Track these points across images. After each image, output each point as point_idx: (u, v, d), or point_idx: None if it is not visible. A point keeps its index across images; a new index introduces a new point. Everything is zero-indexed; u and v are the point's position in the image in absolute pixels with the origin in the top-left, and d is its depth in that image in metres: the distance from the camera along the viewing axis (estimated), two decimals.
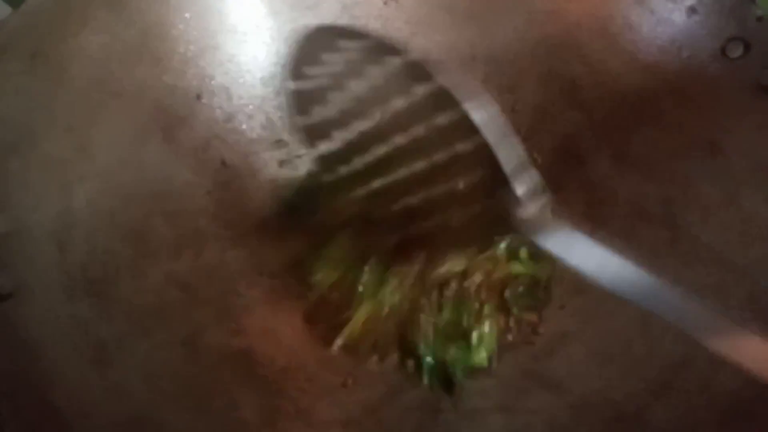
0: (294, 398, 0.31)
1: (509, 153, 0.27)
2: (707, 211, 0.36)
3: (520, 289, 0.36)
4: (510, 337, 0.35)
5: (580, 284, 0.36)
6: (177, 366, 0.28)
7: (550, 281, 0.37)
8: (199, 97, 0.37)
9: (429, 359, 0.33)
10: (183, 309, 0.31)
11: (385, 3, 0.42)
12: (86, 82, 0.31)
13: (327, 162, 0.31)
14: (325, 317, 0.34)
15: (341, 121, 0.29)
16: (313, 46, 0.28)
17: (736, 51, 0.36)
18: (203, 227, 0.35)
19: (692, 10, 0.38)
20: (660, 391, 0.30)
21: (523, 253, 0.38)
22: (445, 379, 0.33)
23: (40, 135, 0.29)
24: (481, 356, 0.33)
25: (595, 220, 0.39)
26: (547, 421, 0.31)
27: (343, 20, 0.42)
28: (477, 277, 0.36)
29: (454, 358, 0.33)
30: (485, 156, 0.27)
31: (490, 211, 0.27)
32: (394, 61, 0.27)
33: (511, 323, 0.36)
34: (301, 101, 0.30)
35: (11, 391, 0.20)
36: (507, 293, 0.36)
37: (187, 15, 0.36)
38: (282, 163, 0.40)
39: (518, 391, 0.32)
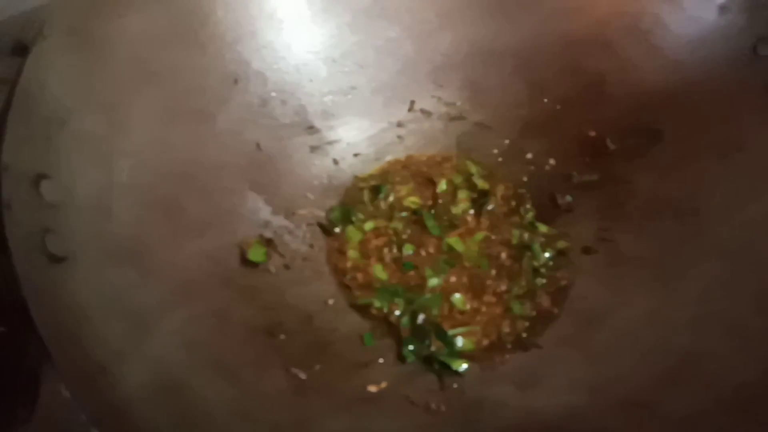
0: (319, 373, 0.32)
1: None
2: (728, 208, 0.36)
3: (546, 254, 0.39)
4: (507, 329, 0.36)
5: (602, 274, 0.37)
6: (210, 337, 0.29)
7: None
8: (236, 81, 0.38)
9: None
10: (215, 283, 0.33)
11: None
12: (127, 62, 0.32)
13: None
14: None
15: None
16: None
17: (767, 49, 0.37)
18: (236, 207, 0.36)
19: (723, 8, 0.38)
20: (671, 381, 0.30)
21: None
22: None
23: (85, 111, 0.30)
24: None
25: (618, 214, 0.39)
26: (562, 403, 0.31)
27: (374, 12, 0.43)
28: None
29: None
30: None
31: None
32: None
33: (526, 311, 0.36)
34: None
35: (64, 346, 0.21)
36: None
37: (227, 1, 0.37)
38: (313, 149, 0.41)
39: (541, 374, 0.33)
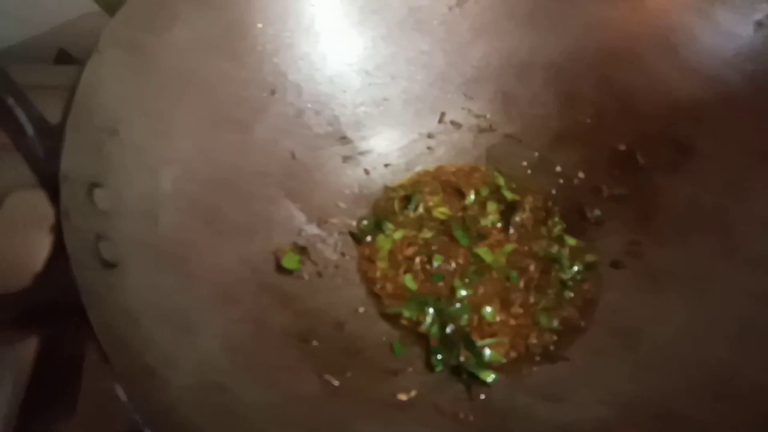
0: (350, 380, 0.33)
1: None
2: (764, 223, 0.36)
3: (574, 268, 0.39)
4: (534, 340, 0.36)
5: (632, 288, 0.37)
6: (251, 342, 0.30)
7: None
8: (273, 92, 0.39)
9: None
10: (252, 289, 0.33)
11: (449, 8, 0.44)
12: (174, 74, 0.34)
13: None
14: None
15: None
16: None
17: None
18: (272, 215, 0.37)
19: (760, 24, 0.38)
20: (707, 393, 0.30)
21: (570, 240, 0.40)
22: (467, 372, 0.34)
23: (134, 121, 0.31)
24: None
25: (648, 228, 0.39)
26: (592, 417, 0.32)
27: (408, 25, 0.44)
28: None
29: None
30: None
31: None
32: None
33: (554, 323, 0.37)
34: None
35: (118, 350, 0.22)
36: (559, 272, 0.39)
37: (266, 14, 0.38)
38: (345, 159, 0.42)
39: (569, 386, 0.33)
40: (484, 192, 0.43)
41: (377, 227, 0.40)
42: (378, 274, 0.38)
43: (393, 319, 0.37)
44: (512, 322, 0.37)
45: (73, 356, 0.32)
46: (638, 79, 0.43)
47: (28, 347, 0.30)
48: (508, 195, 0.42)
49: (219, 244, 0.33)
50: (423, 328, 0.36)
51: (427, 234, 0.40)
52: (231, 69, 0.37)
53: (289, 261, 0.36)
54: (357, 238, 0.40)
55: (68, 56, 0.52)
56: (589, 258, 0.39)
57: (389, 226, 0.40)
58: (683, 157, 0.40)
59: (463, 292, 0.38)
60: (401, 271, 0.39)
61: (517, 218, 0.41)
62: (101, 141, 0.28)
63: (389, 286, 0.38)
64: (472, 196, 0.42)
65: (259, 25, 0.38)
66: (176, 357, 0.25)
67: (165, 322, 0.26)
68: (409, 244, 0.40)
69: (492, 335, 0.36)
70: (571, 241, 0.40)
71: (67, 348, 0.33)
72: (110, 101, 0.29)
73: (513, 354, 0.36)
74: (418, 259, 0.39)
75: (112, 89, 0.30)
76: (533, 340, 0.36)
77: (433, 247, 0.40)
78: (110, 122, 0.29)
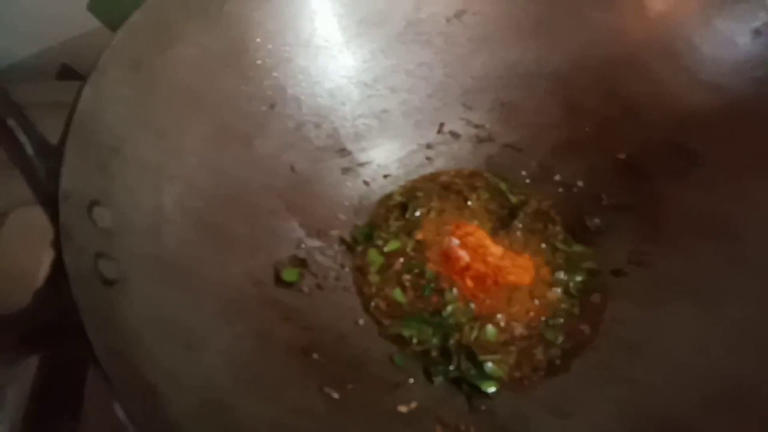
0: (352, 393, 0.32)
1: None
2: None
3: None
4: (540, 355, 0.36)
5: (638, 298, 0.37)
6: (254, 357, 0.30)
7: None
8: (273, 106, 0.39)
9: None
10: (255, 304, 0.33)
11: (447, 20, 0.44)
12: (179, 91, 0.34)
13: None
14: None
15: None
16: None
17: None
18: (275, 228, 0.37)
19: (757, 32, 0.38)
20: (718, 407, 0.30)
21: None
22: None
23: (138, 139, 0.31)
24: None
25: (659, 237, 0.39)
26: (598, 429, 0.31)
27: (407, 37, 0.44)
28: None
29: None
30: None
31: None
32: None
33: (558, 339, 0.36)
34: None
35: (119, 368, 0.22)
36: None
37: (265, 29, 0.38)
38: (345, 171, 0.42)
39: (574, 399, 0.33)
40: (485, 196, 0.42)
41: (369, 238, 0.40)
42: (372, 290, 0.38)
43: (393, 338, 0.36)
44: (516, 344, 0.36)
45: (76, 375, 0.32)
46: (642, 86, 0.43)
47: (30, 367, 0.31)
48: (513, 198, 0.42)
49: (222, 259, 0.33)
50: (424, 345, 0.36)
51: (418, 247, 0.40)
52: (233, 84, 0.37)
53: (289, 274, 0.36)
54: (352, 248, 0.40)
55: (71, 71, 0.52)
56: (590, 265, 0.39)
57: (382, 235, 0.40)
58: (688, 164, 0.40)
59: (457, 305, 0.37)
60: (392, 284, 0.38)
61: (519, 224, 0.41)
62: (103, 160, 0.28)
63: (382, 304, 0.38)
64: (474, 198, 0.42)
65: (258, 40, 0.38)
66: (179, 375, 0.25)
67: (168, 339, 0.26)
68: (400, 257, 0.39)
69: (495, 351, 0.36)
70: (577, 247, 0.40)
71: (70, 367, 0.33)
72: (112, 120, 0.29)
73: (517, 372, 0.35)
74: (408, 273, 0.38)
75: (114, 107, 0.30)
76: (539, 356, 0.36)
77: (426, 256, 0.39)
78: (112, 140, 0.29)
